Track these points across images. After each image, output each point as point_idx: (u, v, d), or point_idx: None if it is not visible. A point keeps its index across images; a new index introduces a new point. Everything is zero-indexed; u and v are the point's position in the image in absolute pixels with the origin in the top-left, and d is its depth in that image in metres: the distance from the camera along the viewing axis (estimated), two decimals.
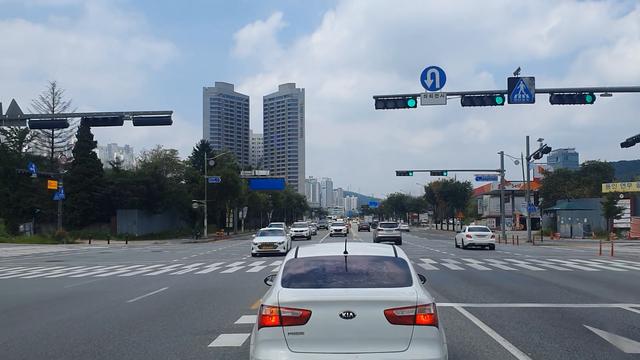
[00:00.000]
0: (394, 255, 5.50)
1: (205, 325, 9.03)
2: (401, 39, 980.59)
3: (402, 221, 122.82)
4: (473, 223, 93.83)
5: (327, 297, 4.68)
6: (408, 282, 4.95)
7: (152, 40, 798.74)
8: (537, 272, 17.85)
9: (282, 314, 4.59)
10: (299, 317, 4.56)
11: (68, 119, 52.11)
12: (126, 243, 47.33)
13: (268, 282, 6.39)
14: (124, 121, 23.27)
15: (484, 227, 40.25)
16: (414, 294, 4.69)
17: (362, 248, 5.91)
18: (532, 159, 44.45)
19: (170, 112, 23.51)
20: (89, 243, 47.01)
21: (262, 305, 4.78)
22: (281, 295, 4.72)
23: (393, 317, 4.53)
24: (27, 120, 24.06)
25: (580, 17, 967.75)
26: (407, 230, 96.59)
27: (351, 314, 4.52)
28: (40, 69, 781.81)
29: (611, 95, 21.42)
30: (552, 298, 11.84)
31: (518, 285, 14.35)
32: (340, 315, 4.53)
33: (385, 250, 5.74)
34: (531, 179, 48.69)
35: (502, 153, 50.98)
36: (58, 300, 12.72)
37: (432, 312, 4.63)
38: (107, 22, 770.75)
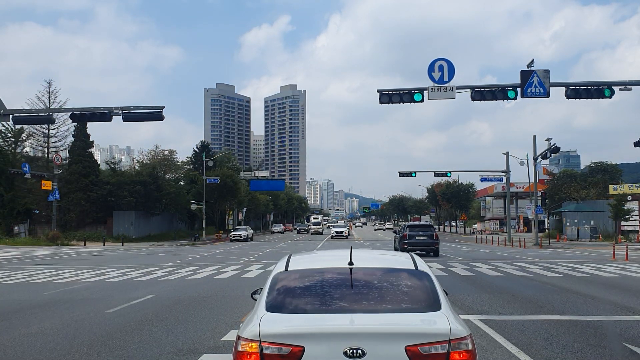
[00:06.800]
0: (413, 267, 4.26)
1: (187, 342, 7.86)
2: (405, 43, 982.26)
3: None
4: (476, 226, 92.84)
5: (327, 327, 3.45)
6: (435, 305, 3.72)
7: (159, 44, 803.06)
8: (553, 277, 16.66)
9: (265, 351, 3.35)
10: (288, 356, 3.32)
11: (62, 117, 52.16)
12: (122, 245, 46.17)
13: (255, 296, 5.13)
14: (113, 117, 22.14)
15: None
16: (445, 322, 3.47)
17: (372, 257, 4.69)
18: (539, 159, 43.21)
19: (162, 107, 22.28)
20: (84, 245, 45.85)
21: (238, 337, 3.54)
22: (264, 324, 3.48)
23: (418, 356, 3.30)
24: (11, 115, 22.92)
25: (583, 21, 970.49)
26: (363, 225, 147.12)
27: (360, 351, 3.29)
28: (50, 71, 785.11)
29: (631, 89, 20.16)
30: (577, 309, 10.65)
31: (536, 293, 13.16)
32: (345, 353, 3.30)
33: (401, 260, 4.49)
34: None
35: (507, 153, 49.79)
36: (33, 309, 11.57)
37: (471, 347, 3.39)
38: (116, 26, 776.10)
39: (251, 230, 59.59)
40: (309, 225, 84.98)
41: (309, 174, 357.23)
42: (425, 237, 28.63)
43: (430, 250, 28.32)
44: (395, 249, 31.11)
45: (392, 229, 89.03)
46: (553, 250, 34.49)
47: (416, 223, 37.85)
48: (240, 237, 53.09)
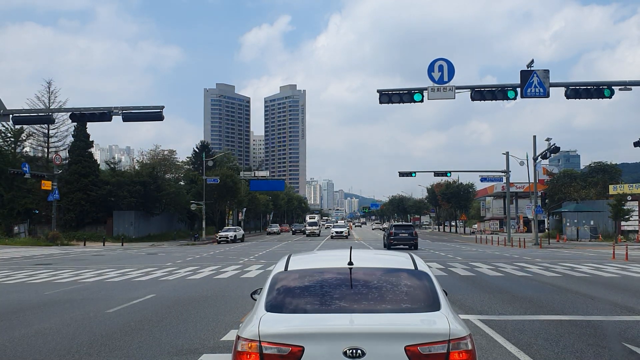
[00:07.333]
0: (412, 267, 4.26)
1: (187, 343, 7.87)
2: (405, 43, 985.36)
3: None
4: (476, 226, 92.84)
5: (327, 327, 3.44)
6: (434, 305, 3.72)
7: (159, 44, 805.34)
8: (553, 277, 16.66)
9: (264, 351, 3.35)
10: (288, 356, 3.32)
11: (62, 117, 52.13)
12: (122, 245, 46.19)
13: (254, 296, 5.13)
14: (113, 116, 22.15)
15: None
16: (444, 322, 3.47)
17: (371, 257, 4.69)
18: (539, 159, 43.20)
19: (162, 107, 22.31)
20: (84, 245, 45.87)
21: (237, 337, 3.55)
22: (263, 324, 3.48)
23: (417, 356, 3.29)
24: (11, 115, 22.92)
25: (583, 21, 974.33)
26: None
27: (359, 351, 3.29)
28: (50, 71, 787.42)
29: (631, 89, 20.17)
30: (577, 309, 10.65)
31: (536, 293, 13.16)
32: (345, 353, 3.30)
33: (400, 260, 4.49)
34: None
35: (507, 153, 49.76)
36: (32, 309, 11.57)
37: (470, 347, 3.39)
38: (116, 27, 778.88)
39: (241, 231, 56.16)
40: (305, 226, 74.50)
41: (309, 174, 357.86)
42: (407, 234, 35.74)
43: (410, 245, 34.83)
44: (384, 244, 37.86)
45: None
46: (553, 250, 34.48)
47: (400, 223, 49.35)
48: (227, 238, 49.83)
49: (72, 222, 53.25)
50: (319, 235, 67.79)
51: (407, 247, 34.49)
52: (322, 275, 4.12)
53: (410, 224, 45.64)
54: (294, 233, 78.50)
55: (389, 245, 35.56)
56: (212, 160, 63.32)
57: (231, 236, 50.41)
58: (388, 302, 3.75)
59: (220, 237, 50.55)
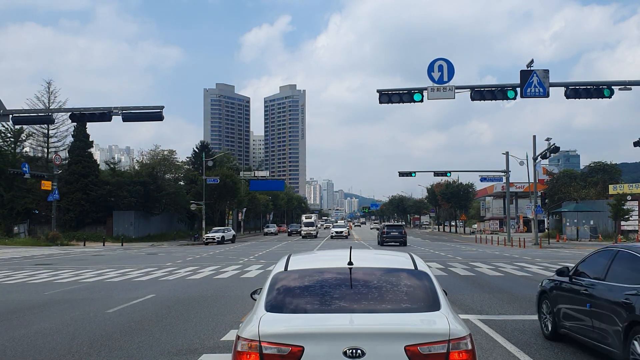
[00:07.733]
0: (412, 267, 4.25)
1: (187, 343, 7.87)
2: (405, 43, 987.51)
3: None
4: (476, 226, 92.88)
5: (327, 327, 3.44)
6: (434, 305, 3.71)
7: (160, 44, 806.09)
8: None
9: (264, 351, 3.34)
10: (288, 356, 3.32)
11: (62, 117, 52.15)
12: (122, 245, 46.19)
13: (254, 296, 5.13)
14: (113, 116, 22.16)
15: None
16: (444, 322, 3.47)
17: (371, 257, 4.68)
18: (538, 159, 43.21)
19: (162, 107, 22.35)
20: (84, 245, 45.87)
21: (237, 337, 3.54)
22: (263, 323, 3.48)
23: (417, 356, 3.29)
24: (11, 115, 22.93)
25: (583, 21, 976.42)
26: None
27: (359, 351, 3.29)
28: (50, 71, 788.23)
29: (631, 89, 20.21)
30: None
31: (536, 292, 13.10)
32: (344, 353, 3.29)
33: (400, 260, 4.48)
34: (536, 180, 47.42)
35: (507, 153, 49.75)
36: (32, 309, 11.57)
37: (470, 347, 3.39)
38: (116, 27, 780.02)
39: (231, 232, 53.09)
40: (301, 226, 66.93)
41: (309, 174, 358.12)
42: (397, 233, 41.03)
43: (400, 242, 39.92)
44: (378, 242, 42.50)
45: None
46: (553, 250, 34.48)
47: (391, 223, 55.63)
48: (214, 239, 46.85)
49: (72, 222, 53.25)
50: (315, 236, 62.36)
51: (397, 243, 39.71)
52: (322, 275, 4.11)
53: (400, 224, 53.09)
54: (289, 234, 72.91)
55: (381, 242, 40.76)
56: (212, 160, 63.28)
57: (219, 237, 47.28)
58: (388, 302, 3.75)
59: (207, 239, 47.70)
